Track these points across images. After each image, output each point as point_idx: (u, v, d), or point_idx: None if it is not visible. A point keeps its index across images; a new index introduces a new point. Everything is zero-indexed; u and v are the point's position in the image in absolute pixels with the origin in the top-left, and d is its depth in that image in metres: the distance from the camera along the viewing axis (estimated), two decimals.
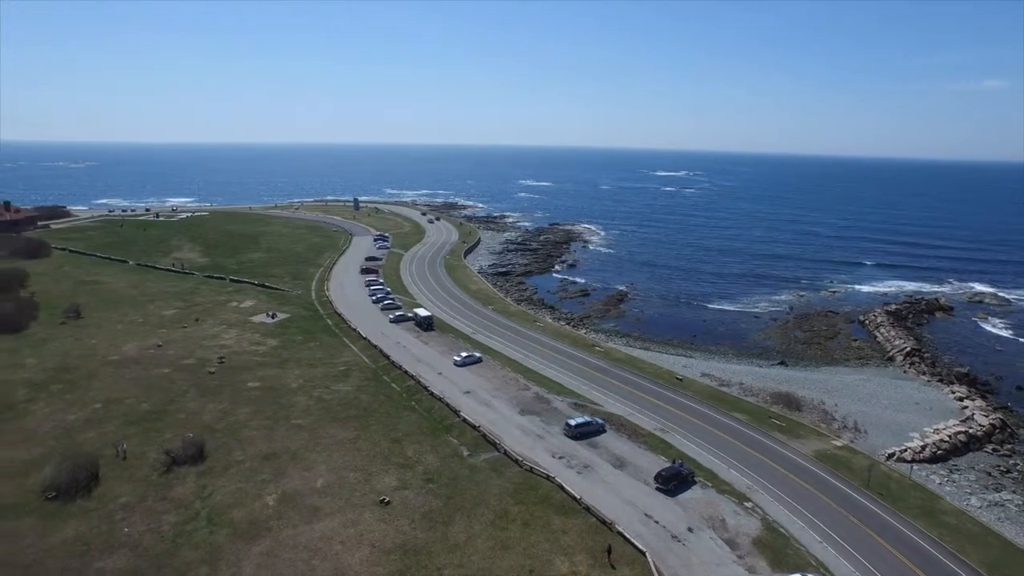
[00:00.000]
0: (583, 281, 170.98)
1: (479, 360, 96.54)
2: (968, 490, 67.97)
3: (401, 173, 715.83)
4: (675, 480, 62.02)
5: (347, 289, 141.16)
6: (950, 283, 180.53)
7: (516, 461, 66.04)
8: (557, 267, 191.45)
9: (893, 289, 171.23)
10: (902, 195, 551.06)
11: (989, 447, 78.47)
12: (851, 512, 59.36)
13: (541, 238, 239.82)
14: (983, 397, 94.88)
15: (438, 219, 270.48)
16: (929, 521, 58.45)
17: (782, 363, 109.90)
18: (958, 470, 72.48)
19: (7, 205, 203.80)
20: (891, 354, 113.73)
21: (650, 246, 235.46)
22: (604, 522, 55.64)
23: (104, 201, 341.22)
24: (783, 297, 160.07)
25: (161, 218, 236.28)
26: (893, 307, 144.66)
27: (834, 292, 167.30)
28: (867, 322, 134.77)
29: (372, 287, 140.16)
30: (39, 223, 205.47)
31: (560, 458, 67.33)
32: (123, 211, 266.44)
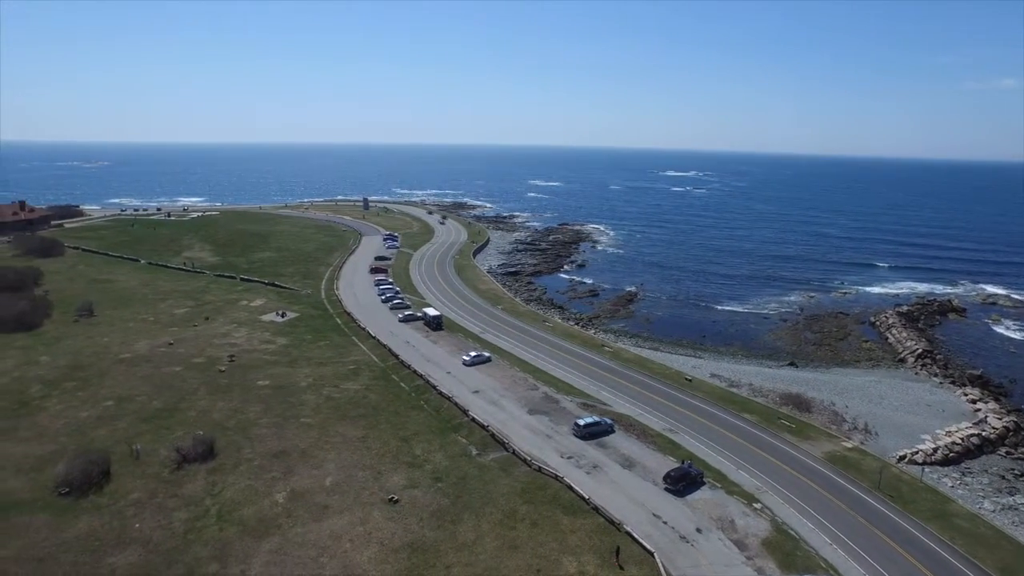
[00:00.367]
0: (592, 281, 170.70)
1: (488, 360, 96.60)
2: (981, 493, 67.35)
3: (410, 173, 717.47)
4: (684, 481, 61.80)
5: (356, 288, 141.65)
6: (963, 285, 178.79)
7: (525, 461, 66.04)
8: (566, 267, 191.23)
9: (905, 290, 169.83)
10: (915, 195, 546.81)
11: (1002, 450, 77.74)
12: (861, 514, 58.94)
13: (550, 238, 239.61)
14: (996, 400, 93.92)
15: (444, 218, 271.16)
16: (941, 524, 57.91)
17: (792, 364, 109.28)
18: (971, 473, 71.85)
19: (22, 204, 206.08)
20: (902, 356, 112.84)
21: (660, 247, 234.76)
22: (612, 522, 55.54)
23: (116, 200, 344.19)
24: (793, 298, 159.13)
25: (172, 217, 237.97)
26: (905, 308, 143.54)
27: (845, 293, 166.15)
28: (878, 323, 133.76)
29: (381, 286, 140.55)
30: (53, 222, 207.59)
31: (569, 458, 67.26)
32: (135, 210, 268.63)
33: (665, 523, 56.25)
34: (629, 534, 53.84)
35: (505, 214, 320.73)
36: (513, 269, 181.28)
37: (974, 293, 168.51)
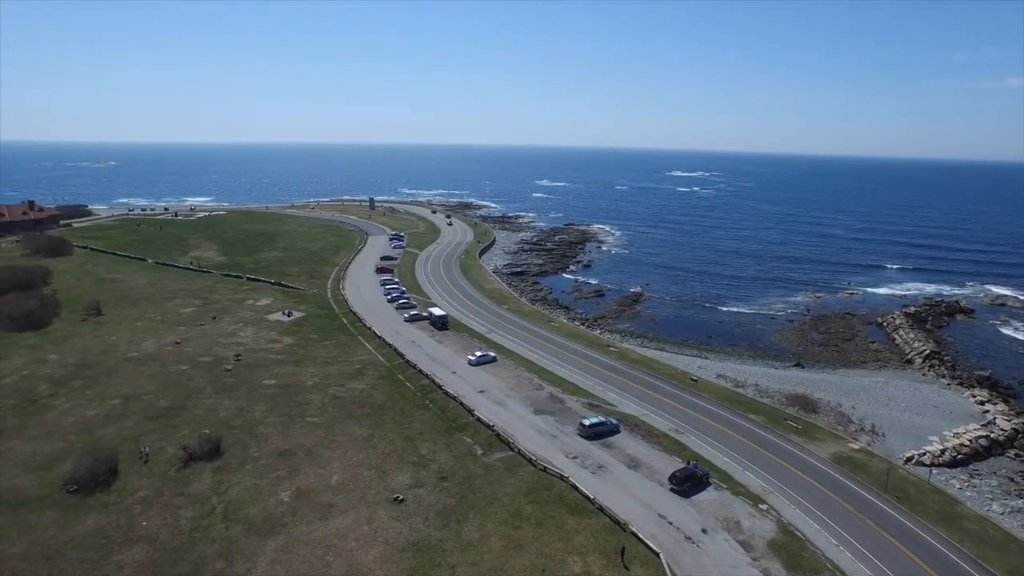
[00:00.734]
0: (598, 282, 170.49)
1: (493, 359, 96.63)
2: (990, 495, 66.93)
3: (416, 173, 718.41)
4: (689, 481, 61.68)
5: (362, 288, 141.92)
6: (970, 286, 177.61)
7: (530, 460, 66.03)
8: (572, 267, 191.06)
9: (912, 291, 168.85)
10: (922, 196, 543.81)
11: (1011, 452, 77.21)
12: (868, 515, 58.67)
13: (556, 238, 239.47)
14: (1005, 401, 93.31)
15: (449, 218, 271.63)
16: (949, 526, 57.57)
17: (798, 365, 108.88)
18: (979, 475, 71.40)
19: (31, 204, 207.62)
20: (910, 356, 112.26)
21: (665, 247, 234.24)
22: (618, 522, 55.47)
23: (124, 200, 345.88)
24: (799, 299, 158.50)
25: (179, 217, 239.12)
26: (912, 309, 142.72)
27: (851, 294, 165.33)
28: (885, 324, 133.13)
29: (387, 286, 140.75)
30: (62, 222, 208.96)
31: (574, 458, 67.21)
32: (142, 210, 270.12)
33: (670, 524, 56.14)
34: (634, 534, 53.76)
35: (511, 214, 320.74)
36: (519, 269, 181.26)
37: (982, 294, 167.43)
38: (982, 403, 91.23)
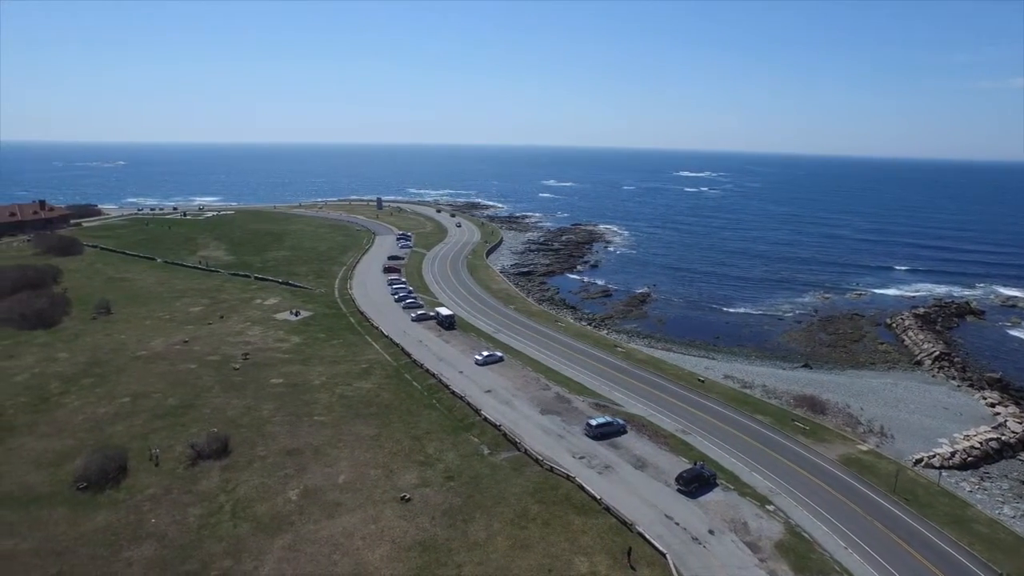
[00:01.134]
0: (605, 282, 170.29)
1: (500, 359, 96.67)
2: (1001, 499, 66.39)
3: (424, 173, 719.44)
4: (696, 482, 61.50)
5: (370, 288, 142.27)
6: (981, 287, 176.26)
7: (536, 460, 66.02)
8: (579, 267, 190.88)
9: (921, 292, 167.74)
10: (929, 196, 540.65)
11: (1023, 455, 76.50)
12: (877, 518, 58.34)
13: (563, 238, 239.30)
14: (1016, 403, 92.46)
15: (454, 216, 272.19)
16: (959, 529, 57.16)
17: (806, 366, 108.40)
18: (990, 478, 70.85)
19: (42, 204, 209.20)
20: (919, 358, 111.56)
21: (672, 248, 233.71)
22: (624, 523, 55.39)
23: (133, 200, 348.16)
24: (807, 299, 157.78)
25: (188, 216, 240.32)
26: (921, 310, 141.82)
27: (860, 295, 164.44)
28: (894, 325, 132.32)
29: (394, 286, 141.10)
30: (72, 221, 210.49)
31: (581, 458, 67.15)
32: (151, 210, 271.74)
33: (677, 524, 56.01)
34: (641, 535, 53.69)
35: (518, 214, 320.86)
36: (526, 269, 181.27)
37: (992, 296, 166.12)
38: (993, 405, 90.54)
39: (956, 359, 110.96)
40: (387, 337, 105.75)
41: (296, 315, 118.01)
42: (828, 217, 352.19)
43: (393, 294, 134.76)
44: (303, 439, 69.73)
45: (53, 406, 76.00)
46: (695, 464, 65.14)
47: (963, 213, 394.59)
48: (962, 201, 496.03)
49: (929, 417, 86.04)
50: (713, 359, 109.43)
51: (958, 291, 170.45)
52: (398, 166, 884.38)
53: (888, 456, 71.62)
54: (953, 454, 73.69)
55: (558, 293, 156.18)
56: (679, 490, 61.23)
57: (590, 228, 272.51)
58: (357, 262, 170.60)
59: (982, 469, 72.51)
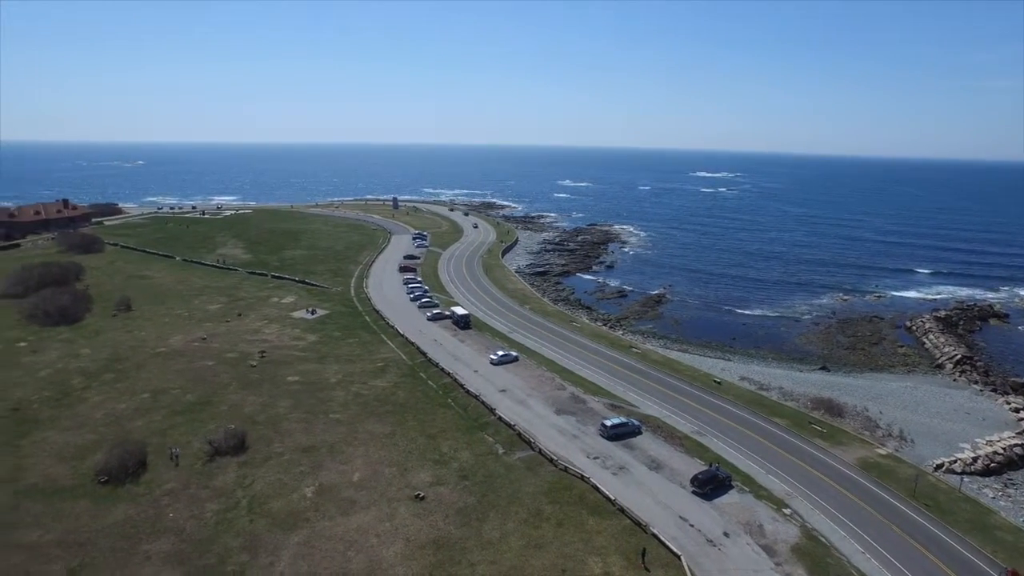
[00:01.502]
0: (620, 282, 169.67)
1: (515, 359, 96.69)
2: None
3: (439, 173, 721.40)
4: (711, 484, 61.10)
5: (385, 287, 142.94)
6: (1005, 290, 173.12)
7: (551, 460, 65.97)
8: (594, 268, 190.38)
9: (943, 295, 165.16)
10: (956, 197, 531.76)
11: None
12: (896, 523, 57.55)
13: (579, 238, 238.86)
14: None
15: (467, 215, 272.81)
16: (982, 536, 56.16)
17: (824, 368, 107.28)
18: (1014, 484, 69.59)
19: (65, 202, 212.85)
20: (940, 361, 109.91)
21: (689, 248, 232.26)
22: (639, 524, 55.17)
23: (153, 199, 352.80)
24: (825, 301, 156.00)
25: (207, 215, 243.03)
26: (942, 313, 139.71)
27: (879, 297, 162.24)
28: (914, 328, 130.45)
29: (410, 285, 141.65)
30: (94, 220, 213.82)
31: (595, 458, 66.99)
32: (171, 208, 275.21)
33: (692, 526, 55.68)
34: (655, 536, 53.43)
35: (534, 214, 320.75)
36: (541, 269, 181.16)
37: (1017, 299, 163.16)
38: (1017, 410, 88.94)
39: (979, 363, 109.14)
40: (402, 336, 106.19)
41: (312, 313, 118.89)
42: (847, 218, 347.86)
43: (409, 293, 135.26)
44: (319, 436, 70.26)
45: (75, 401, 77.28)
46: (710, 466, 64.73)
47: (987, 214, 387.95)
48: (986, 202, 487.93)
49: (950, 421, 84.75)
50: (729, 360, 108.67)
51: (981, 294, 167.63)
52: (413, 166, 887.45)
53: (907, 460, 70.61)
54: (975, 459, 72.50)
55: (573, 293, 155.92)
56: (694, 492, 60.86)
57: (606, 228, 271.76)
58: (373, 261, 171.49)
59: (1006, 475, 71.24)
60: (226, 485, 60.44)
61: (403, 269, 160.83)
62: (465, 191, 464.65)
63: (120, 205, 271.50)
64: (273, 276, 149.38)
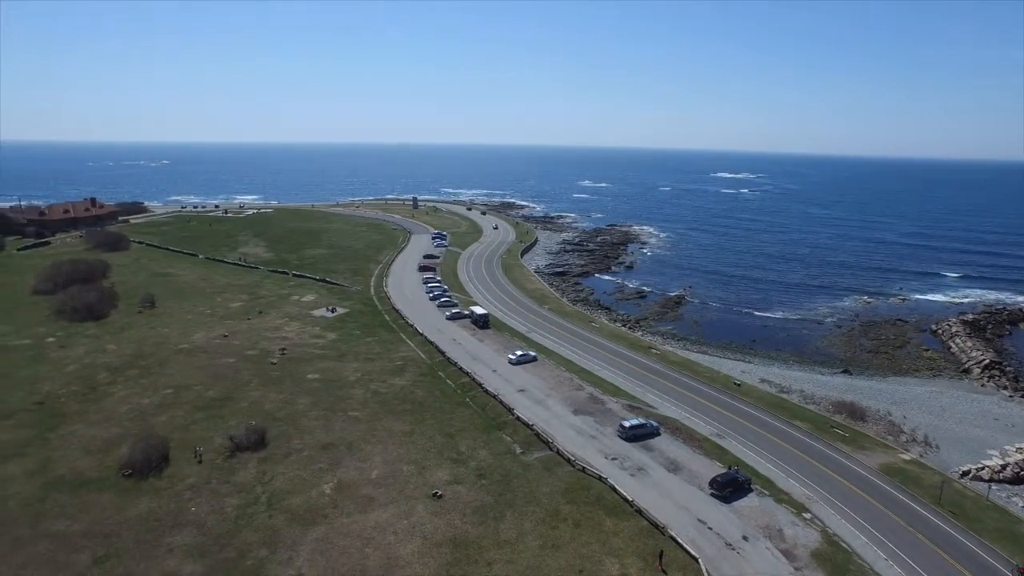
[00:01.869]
0: (640, 283, 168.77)
1: (534, 359, 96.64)
2: None
3: (460, 173, 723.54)
4: (731, 487, 60.55)
5: (405, 286, 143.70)
6: None
7: (568, 460, 65.84)
8: (614, 268, 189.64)
9: (970, 299, 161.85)
10: (991, 198, 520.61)
11: None
12: (920, 530, 56.53)
13: (598, 239, 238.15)
14: None
15: (485, 214, 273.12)
16: (1011, 546, 54.81)
17: (846, 371, 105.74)
18: None
19: (93, 201, 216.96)
20: (967, 366, 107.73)
21: (709, 250, 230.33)
22: (656, 526, 54.85)
23: (177, 198, 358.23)
24: (848, 304, 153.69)
25: (229, 214, 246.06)
26: (970, 316, 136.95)
27: (904, 300, 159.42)
28: (940, 332, 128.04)
29: (429, 284, 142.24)
30: (120, 218, 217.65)
31: (613, 459, 66.72)
32: (194, 207, 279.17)
33: (710, 529, 55.22)
34: (673, 538, 53.05)
35: (553, 214, 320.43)
36: (560, 269, 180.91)
37: None
38: None
39: (1008, 368, 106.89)
40: (421, 335, 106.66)
41: (332, 312, 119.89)
42: (871, 220, 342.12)
43: (428, 292, 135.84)
44: (338, 434, 70.82)
45: (101, 395, 78.73)
46: (730, 468, 64.15)
47: (1020, 216, 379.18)
48: (1019, 203, 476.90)
49: (977, 427, 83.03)
50: (749, 363, 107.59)
51: (1011, 297, 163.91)
52: (434, 166, 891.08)
53: (932, 467, 69.34)
54: (1004, 467, 70.76)
55: (592, 294, 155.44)
56: (713, 494, 60.36)
57: (625, 229, 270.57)
58: (393, 260, 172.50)
59: None
60: (246, 481, 61.17)
61: (422, 268, 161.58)
62: (485, 191, 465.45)
63: (145, 204, 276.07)
64: (294, 275, 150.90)
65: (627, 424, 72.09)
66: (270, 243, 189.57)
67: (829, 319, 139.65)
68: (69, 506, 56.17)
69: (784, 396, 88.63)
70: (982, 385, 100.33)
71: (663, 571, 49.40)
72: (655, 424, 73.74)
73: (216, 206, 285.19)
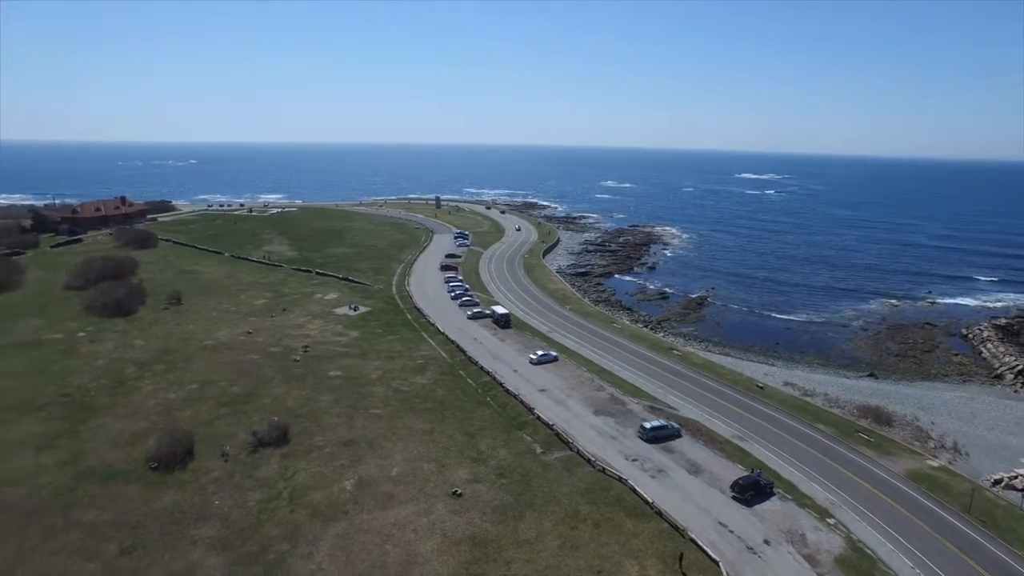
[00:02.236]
0: (662, 284, 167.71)
1: (555, 359, 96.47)
2: None
3: (482, 173, 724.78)
4: (752, 490, 59.85)
5: (427, 285, 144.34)
6: None
7: (589, 461, 65.62)
8: (636, 269, 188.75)
9: (1004, 303, 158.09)
10: (1013, 201, 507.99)
11: None
12: (949, 538, 55.32)
13: (620, 239, 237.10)
14: None
15: (504, 213, 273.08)
16: None
17: (872, 375, 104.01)
18: None
19: (123, 200, 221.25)
20: (999, 371, 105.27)
21: (732, 251, 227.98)
22: (676, 528, 54.41)
23: (204, 196, 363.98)
24: (874, 307, 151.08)
25: (254, 213, 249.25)
26: (1002, 321, 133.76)
27: (933, 303, 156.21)
28: (971, 336, 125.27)
29: (451, 283, 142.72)
30: (148, 216, 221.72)
31: (633, 460, 66.36)
32: (220, 206, 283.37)
33: (731, 532, 54.65)
34: (693, 541, 52.59)
35: (575, 215, 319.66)
36: (582, 270, 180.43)
37: None
38: None
39: None
40: (443, 334, 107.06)
41: (355, 310, 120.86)
42: (899, 222, 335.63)
43: (450, 291, 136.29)
44: (359, 431, 71.37)
45: (129, 389, 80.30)
46: (752, 471, 63.46)
47: None
48: None
49: (1010, 435, 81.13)
50: (772, 365, 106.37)
51: None
52: (458, 166, 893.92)
53: (962, 474, 67.84)
54: None
55: (614, 294, 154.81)
56: (734, 497, 59.73)
57: (648, 230, 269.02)
58: (415, 260, 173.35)
59: None
60: (269, 476, 61.95)
61: (444, 268, 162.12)
62: (507, 191, 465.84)
63: (173, 202, 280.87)
64: (317, 273, 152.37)
65: (648, 425, 71.64)
66: (294, 241, 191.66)
67: (855, 322, 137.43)
68: (98, 497, 57.43)
69: (808, 399, 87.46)
70: (1015, 391, 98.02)
71: (683, 574, 49.01)
72: (676, 426, 73.19)
73: (241, 205, 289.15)
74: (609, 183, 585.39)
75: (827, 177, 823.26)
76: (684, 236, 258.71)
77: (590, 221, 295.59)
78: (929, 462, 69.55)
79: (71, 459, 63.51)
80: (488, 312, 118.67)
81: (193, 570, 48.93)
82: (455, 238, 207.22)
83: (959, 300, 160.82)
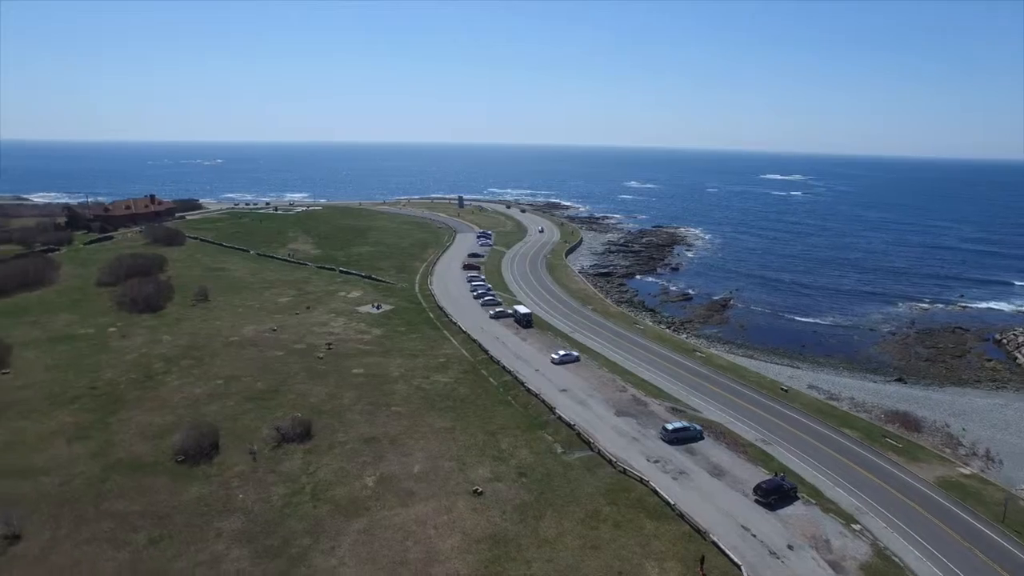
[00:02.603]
0: (685, 285, 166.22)
1: (576, 359, 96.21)
2: None
3: (506, 172, 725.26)
4: (776, 494, 59.07)
5: (449, 284, 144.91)
6: None
7: (610, 462, 65.35)
8: (659, 270, 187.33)
9: None
10: None
11: None
12: (980, 548, 53.98)
13: (644, 240, 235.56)
14: None
15: (524, 211, 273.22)
16: None
17: (900, 380, 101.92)
18: None
19: (152, 198, 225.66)
20: None
21: (757, 253, 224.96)
22: (698, 530, 53.96)
23: (231, 195, 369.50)
24: (903, 311, 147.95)
25: (279, 211, 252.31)
26: None
27: (964, 308, 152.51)
28: (1006, 341, 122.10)
29: (473, 283, 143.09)
30: (176, 214, 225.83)
31: (655, 462, 65.94)
32: (246, 204, 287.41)
33: (754, 536, 54.01)
34: (715, 544, 52.11)
35: (599, 215, 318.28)
36: (605, 270, 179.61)
37: None
38: None
39: None
40: (465, 333, 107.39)
41: (378, 308, 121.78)
42: (929, 224, 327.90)
43: (472, 291, 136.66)
44: (381, 428, 71.93)
45: (157, 384, 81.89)
46: (775, 475, 62.70)
47: None
48: None
49: None
50: (797, 368, 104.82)
51: None
52: (483, 166, 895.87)
53: (995, 482, 66.16)
54: None
55: (637, 295, 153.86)
56: (757, 501, 59.04)
57: (671, 231, 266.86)
58: (438, 259, 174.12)
59: None
60: (292, 471, 62.73)
61: (467, 267, 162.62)
62: (530, 191, 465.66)
63: (200, 201, 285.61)
64: (341, 271, 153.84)
65: (670, 427, 71.15)
66: (318, 240, 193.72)
67: (883, 326, 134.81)
68: (128, 488, 58.71)
69: (833, 403, 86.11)
70: None
71: None
72: (698, 428, 72.56)
73: (267, 203, 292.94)
74: (632, 184, 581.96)
75: (855, 178, 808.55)
76: (708, 237, 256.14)
77: (613, 222, 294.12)
78: (960, 469, 68.02)
79: (101, 450, 65.01)
80: (510, 312, 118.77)
81: (218, 562, 49.76)
82: (478, 238, 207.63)
83: (992, 304, 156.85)
